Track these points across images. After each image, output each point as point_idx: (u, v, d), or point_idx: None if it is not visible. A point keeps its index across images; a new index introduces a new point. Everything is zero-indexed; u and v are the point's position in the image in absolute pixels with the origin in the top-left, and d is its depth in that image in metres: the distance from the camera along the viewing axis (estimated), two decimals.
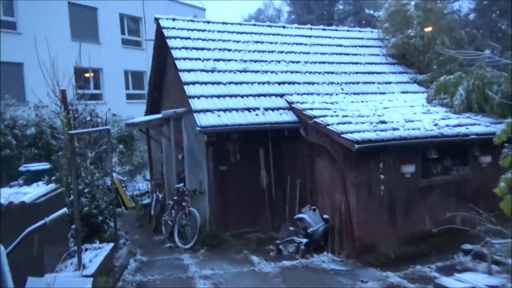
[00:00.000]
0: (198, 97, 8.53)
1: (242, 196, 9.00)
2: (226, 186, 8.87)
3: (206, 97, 8.60)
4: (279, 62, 10.30)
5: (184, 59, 9.39)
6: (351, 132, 7.32)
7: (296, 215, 8.29)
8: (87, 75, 22.19)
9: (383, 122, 8.14)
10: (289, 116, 8.68)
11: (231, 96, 8.83)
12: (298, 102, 8.91)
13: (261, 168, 9.12)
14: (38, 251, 5.23)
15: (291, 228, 8.12)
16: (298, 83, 9.78)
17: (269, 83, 9.50)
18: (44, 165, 12.17)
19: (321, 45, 11.51)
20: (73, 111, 10.13)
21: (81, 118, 13.01)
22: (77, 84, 14.30)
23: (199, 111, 8.19)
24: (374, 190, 7.48)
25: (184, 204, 8.54)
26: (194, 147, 8.81)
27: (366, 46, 12.10)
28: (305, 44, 11.32)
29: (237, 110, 8.48)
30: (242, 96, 8.90)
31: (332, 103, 9.11)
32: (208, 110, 8.27)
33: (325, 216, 7.86)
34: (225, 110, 8.40)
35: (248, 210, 9.06)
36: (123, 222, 11.23)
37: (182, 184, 8.87)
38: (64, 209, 3.75)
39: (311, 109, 8.52)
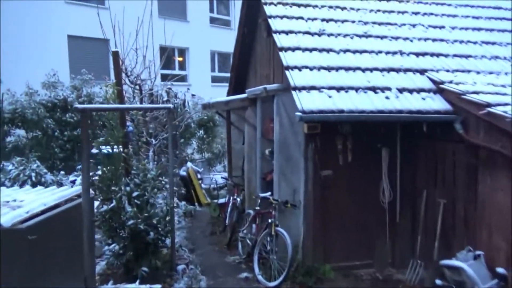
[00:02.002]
0: (300, 68, 5.72)
1: (352, 215, 6.10)
2: (330, 199, 6.04)
3: (311, 68, 5.75)
4: (414, 26, 7.06)
5: (281, 17, 6.60)
6: None
7: (443, 260, 5.13)
8: (180, 59, 20.88)
9: None
10: (436, 102, 5.50)
11: (347, 69, 5.87)
12: (451, 82, 5.69)
13: (383, 177, 6.10)
14: None
15: (439, 282, 5.00)
16: (445, 56, 6.48)
17: (402, 53, 6.35)
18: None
19: (471, 6, 7.98)
20: (139, 85, 8.00)
21: (156, 97, 11.09)
22: (161, 63, 12.48)
23: (300, 88, 5.39)
24: None
25: (270, 221, 5.87)
26: (288, 140, 6.06)
27: None
28: (449, 5, 7.89)
29: (357, 89, 5.52)
30: (363, 70, 5.89)
31: (503, 86, 5.74)
32: (313, 88, 5.43)
33: (500, 269, 4.64)
34: (339, 89, 5.49)
35: (359, 235, 6.14)
36: (193, 225, 8.97)
37: (269, 193, 6.18)
38: None
39: (476, 92, 5.27)
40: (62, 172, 10.55)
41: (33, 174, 8.78)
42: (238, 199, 7.69)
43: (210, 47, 21.02)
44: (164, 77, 12.42)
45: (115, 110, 4.22)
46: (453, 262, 4.84)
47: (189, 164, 11.55)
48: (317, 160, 5.95)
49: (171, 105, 5.36)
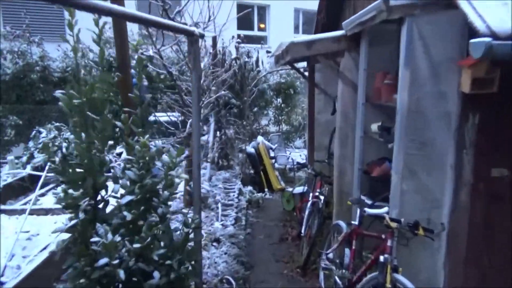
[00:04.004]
0: None
1: None
2: (501, 222, 3.03)
3: None
4: None
5: None
6: None
7: None
8: (262, 25, 18.13)
9: None
10: None
11: None
12: None
13: None
14: None
15: None
16: None
17: None
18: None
19: None
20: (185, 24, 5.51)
21: (221, 53, 8.60)
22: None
23: None
24: None
25: (382, 258, 3.04)
26: (425, 109, 3.06)
27: None
28: None
29: None
30: None
31: None
32: None
33: None
34: None
35: None
36: (258, 222, 6.48)
37: (385, 209, 3.27)
38: None
39: None
40: (110, 143, 8.74)
41: (64, 145, 6.89)
42: (321, 198, 4.93)
43: (294, 4, 17.87)
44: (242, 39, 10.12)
45: None
46: None
47: (259, 138, 9.00)
48: (482, 148, 2.95)
49: (194, 29, 2.73)
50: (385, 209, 3.15)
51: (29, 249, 4.35)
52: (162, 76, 9.43)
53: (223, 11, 6.82)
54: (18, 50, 8.88)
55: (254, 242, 5.59)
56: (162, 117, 7.69)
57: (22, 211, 5.25)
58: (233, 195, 6.85)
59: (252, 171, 8.63)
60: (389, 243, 3.02)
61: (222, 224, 5.36)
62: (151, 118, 8.15)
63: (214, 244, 4.69)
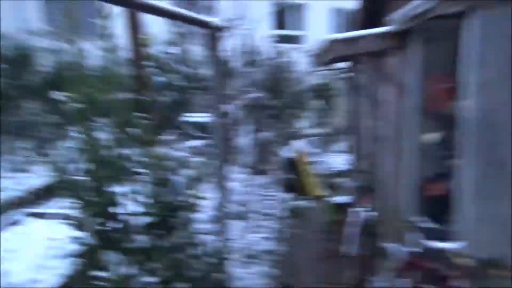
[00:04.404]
0: None
1: None
2: None
3: None
4: None
5: None
6: None
7: None
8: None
9: None
10: None
11: None
12: None
13: None
14: None
15: None
16: None
17: None
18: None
19: None
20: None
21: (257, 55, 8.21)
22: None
23: None
24: None
25: None
26: (501, 119, 2.47)
27: None
28: None
29: None
30: None
31: None
32: None
33: None
34: None
35: None
36: (300, 232, 6.00)
37: (454, 245, 2.69)
38: None
39: None
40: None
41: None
42: (368, 214, 4.38)
43: (331, 4, 17.03)
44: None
45: None
46: None
47: (299, 142, 8.50)
48: None
49: (211, 19, 2.33)
50: (455, 244, 2.59)
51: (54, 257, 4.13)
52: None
53: (257, 9, 6.43)
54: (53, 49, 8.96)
55: (293, 258, 5.13)
56: (196, 117, 7.39)
57: (53, 215, 5.02)
58: (271, 203, 6.43)
59: (290, 177, 8.15)
60: (457, 284, 2.47)
61: (257, 237, 4.95)
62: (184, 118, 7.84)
63: (248, 261, 4.29)
